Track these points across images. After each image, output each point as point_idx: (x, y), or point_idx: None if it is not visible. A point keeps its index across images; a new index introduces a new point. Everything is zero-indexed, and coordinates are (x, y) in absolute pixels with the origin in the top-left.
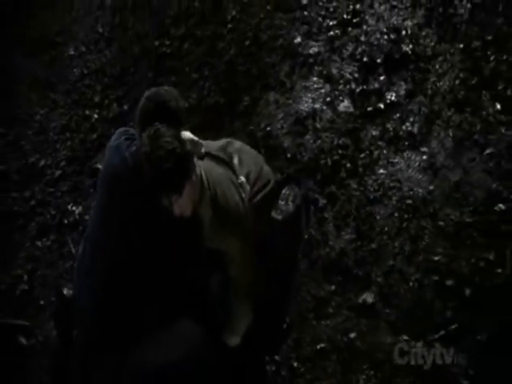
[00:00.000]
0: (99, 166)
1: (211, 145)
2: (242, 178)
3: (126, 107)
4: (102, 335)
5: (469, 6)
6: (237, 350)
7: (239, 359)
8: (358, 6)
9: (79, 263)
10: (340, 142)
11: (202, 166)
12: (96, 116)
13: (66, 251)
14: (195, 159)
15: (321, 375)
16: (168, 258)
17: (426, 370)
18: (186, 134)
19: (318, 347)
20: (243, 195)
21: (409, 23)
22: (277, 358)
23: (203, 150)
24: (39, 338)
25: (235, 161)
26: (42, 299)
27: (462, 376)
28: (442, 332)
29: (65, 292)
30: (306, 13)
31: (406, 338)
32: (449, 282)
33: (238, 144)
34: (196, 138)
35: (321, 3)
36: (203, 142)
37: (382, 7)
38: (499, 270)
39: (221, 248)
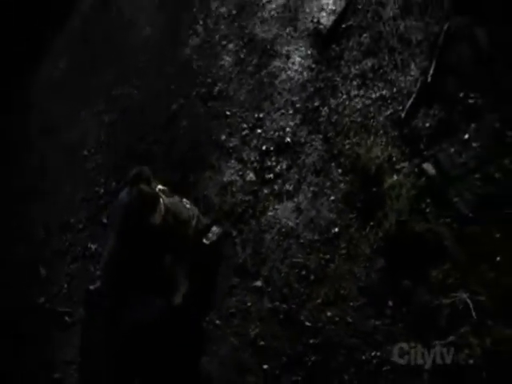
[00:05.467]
0: (105, 220)
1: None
2: (193, 208)
3: (121, 184)
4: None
5: (327, 110)
6: (184, 311)
7: (188, 319)
8: (260, 115)
9: (103, 258)
10: (246, 198)
11: (168, 199)
12: (102, 190)
13: (88, 271)
14: (163, 196)
15: (231, 326)
16: (151, 249)
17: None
18: (159, 186)
19: (230, 311)
20: (191, 214)
21: (291, 123)
22: (207, 318)
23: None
24: (75, 317)
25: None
26: (76, 297)
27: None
28: (297, 300)
29: (90, 288)
30: (228, 120)
31: (277, 303)
32: (303, 272)
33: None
34: (164, 188)
35: (238, 113)
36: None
37: (275, 114)
38: (331, 265)
39: (177, 239)
